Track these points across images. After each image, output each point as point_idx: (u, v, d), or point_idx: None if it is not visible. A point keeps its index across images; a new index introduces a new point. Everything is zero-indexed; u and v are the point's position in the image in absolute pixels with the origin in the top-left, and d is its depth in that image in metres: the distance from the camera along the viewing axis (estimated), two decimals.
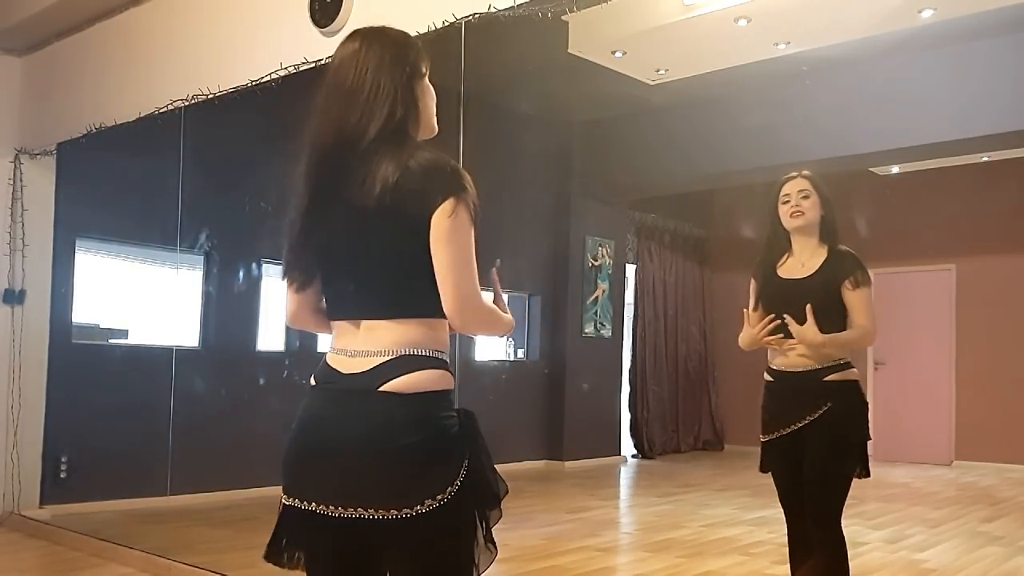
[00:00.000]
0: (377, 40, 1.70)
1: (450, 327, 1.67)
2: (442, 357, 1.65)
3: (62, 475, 5.68)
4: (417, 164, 1.60)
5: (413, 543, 1.58)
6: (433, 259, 1.59)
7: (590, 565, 4.71)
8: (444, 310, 1.62)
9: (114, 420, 5.83)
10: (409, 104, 1.67)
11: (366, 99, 1.63)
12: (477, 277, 1.63)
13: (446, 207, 1.58)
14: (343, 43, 1.73)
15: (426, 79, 1.73)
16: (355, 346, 1.64)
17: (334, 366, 1.67)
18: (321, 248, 1.67)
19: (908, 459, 8.97)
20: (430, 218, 1.58)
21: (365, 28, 1.74)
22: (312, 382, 1.70)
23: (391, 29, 1.75)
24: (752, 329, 2.99)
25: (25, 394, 5.51)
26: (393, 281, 1.63)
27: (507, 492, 1.67)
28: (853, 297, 2.91)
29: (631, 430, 9.67)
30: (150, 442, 5.68)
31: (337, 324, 1.70)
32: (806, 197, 3.01)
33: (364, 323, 1.64)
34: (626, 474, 9.02)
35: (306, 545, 1.68)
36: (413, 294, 1.63)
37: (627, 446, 9.61)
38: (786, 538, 3.09)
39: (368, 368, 1.61)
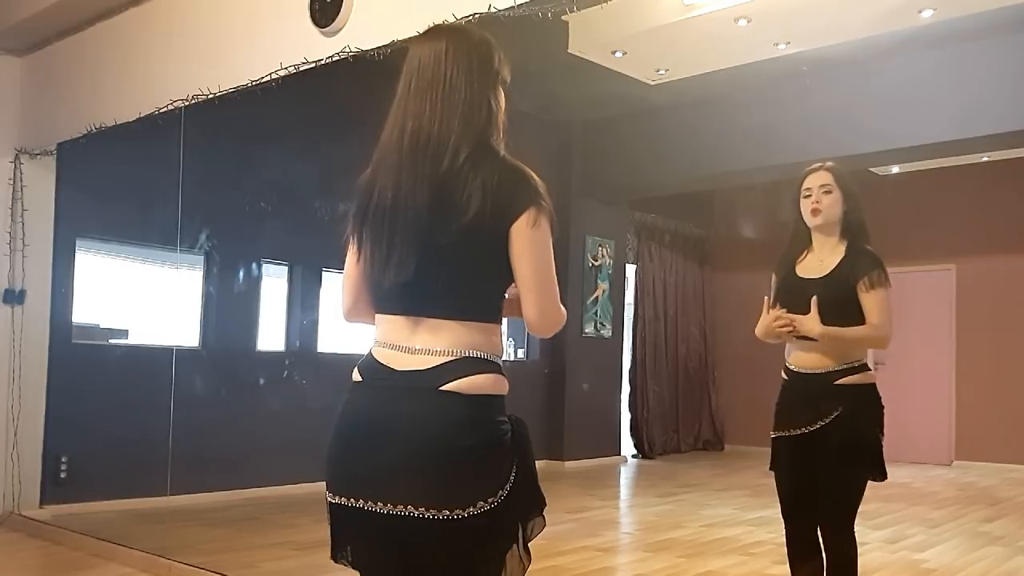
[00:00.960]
0: (464, 42, 1.68)
1: (528, 329, 1.69)
2: (499, 361, 1.66)
3: (62, 475, 5.68)
4: (504, 173, 1.61)
5: (456, 544, 1.58)
6: (515, 268, 1.61)
7: (590, 565, 4.72)
8: (524, 316, 1.64)
9: (114, 420, 5.82)
10: (496, 111, 1.68)
11: (462, 107, 1.63)
12: (556, 284, 1.65)
13: (528, 218, 1.59)
14: (425, 39, 1.71)
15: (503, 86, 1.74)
16: (414, 343, 1.62)
17: (385, 362, 1.64)
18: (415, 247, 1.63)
19: (908, 459, 8.97)
20: (510, 227, 1.59)
21: (448, 27, 1.74)
22: (357, 378, 1.67)
23: (474, 30, 1.75)
24: (767, 318, 2.96)
25: (25, 394, 5.50)
26: (466, 283, 1.63)
27: (546, 504, 1.69)
28: (867, 299, 2.85)
29: (631, 430, 9.67)
30: (150, 442, 5.68)
31: (391, 318, 1.66)
32: (828, 192, 2.94)
33: (427, 321, 1.62)
34: (626, 474, 9.02)
35: (355, 543, 1.68)
36: (481, 297, 1.64)
37: (627, 446, 9.62)
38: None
39: (430, 366, 1.60)
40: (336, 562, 1.72)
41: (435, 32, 1.72)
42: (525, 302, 1.64)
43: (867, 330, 2.85)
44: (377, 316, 1.70)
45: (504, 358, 1.69)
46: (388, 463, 1.58)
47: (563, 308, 1.71)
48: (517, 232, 1.59)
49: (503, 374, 1.65)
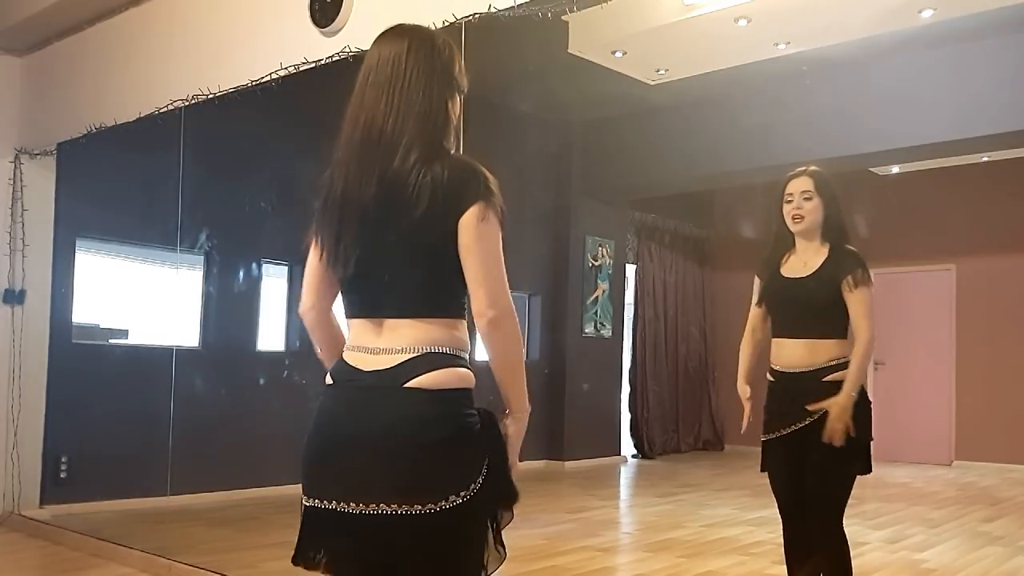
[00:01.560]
0: (426, 45, 1.70)
1: (479, 333, 1.68)
2: (464, 356, 1.66)
3: (62, 475, 5.68)
4: (455, 170, 1.62)
5: (432, 539, 1.59)
6: (463, 262, 1.61)
7: (590, 565, 4.71)
8: (473, 311, 1.63)
9: (114, 420, 5.82)
10: (452, 119, 1.70)
11: (419, 108, 1.64)
12: (506, 280, 1.64)
13: (476, 212, 1.60)
14: (388, 38, 1.72)
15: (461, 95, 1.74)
16: (377, 343, 1.64)
17: (354, 364, 1.66)
18: (364, 245, 1.65)
19: (908, 459, 8.97)
20: (459, 221, 1.60)
21: (411, 28, 1.73)
22: (329, 380, 1.69)
23: (437, 34, 1.76)
24: (750, 357, 3.14)
25: (25, 394, 5.50)
26: (423, 281, 1.64)
27: (519, 496, 1.69)
28: (851, 298, 2.90)
29: (631, 430, 9.67)
30: (150, 442, 5.68)
31: (356, 322, 1.69)
32: (808, 199, 2.99)
33: (388, 321, 1.64)
34: (626, 474, 9.02)
35: (330, 544, 1.68)
36: (439, 294, 1.65)
37: (627, 446, 9.61)
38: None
39: (393, 365, 1.61)
40: (296, 565, 1.70)
41: (398, 31, 1.72)
42: (472, 294, 1.63)
43: (862, 351, 2.88)
44: (348, 321, 1.72)
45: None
46: (358, 462, 1.59)
47: (516, 315, 1.69)
48: (465, 226, 1.60)
49: (469, 368, 1.66)
